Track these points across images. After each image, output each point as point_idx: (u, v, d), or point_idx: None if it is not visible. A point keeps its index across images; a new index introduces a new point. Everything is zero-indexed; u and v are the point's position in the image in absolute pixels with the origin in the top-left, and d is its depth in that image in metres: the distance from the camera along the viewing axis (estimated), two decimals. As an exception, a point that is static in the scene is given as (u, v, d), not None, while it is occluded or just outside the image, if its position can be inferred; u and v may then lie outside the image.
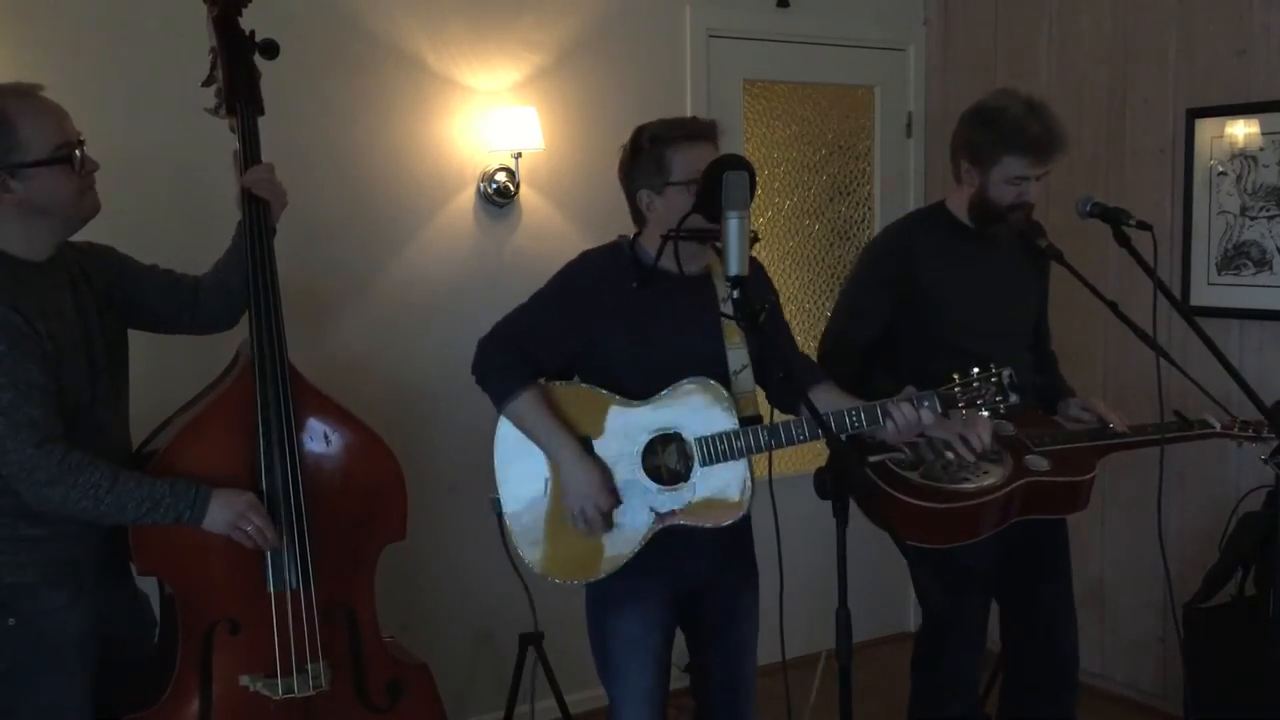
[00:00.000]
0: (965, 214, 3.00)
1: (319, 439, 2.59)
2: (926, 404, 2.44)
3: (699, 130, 2.53)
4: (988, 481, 2.79)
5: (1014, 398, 2.45)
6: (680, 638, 2.73)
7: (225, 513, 2.38)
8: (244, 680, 2.48)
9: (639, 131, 2.57)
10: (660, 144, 2.51)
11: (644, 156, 2.53)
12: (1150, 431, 2.99)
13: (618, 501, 2.49)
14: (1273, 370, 3.57)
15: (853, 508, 2.07)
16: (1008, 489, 2.80)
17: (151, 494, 2.32)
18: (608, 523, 2.49)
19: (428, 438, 3.68)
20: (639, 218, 2.60)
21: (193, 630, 2.47)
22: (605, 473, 2.49)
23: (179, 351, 2.84)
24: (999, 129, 2.88)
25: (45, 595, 2.33)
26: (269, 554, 2.47)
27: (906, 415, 2.43)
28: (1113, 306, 2.84)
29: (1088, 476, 2.92)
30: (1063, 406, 3.10)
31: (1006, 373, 2.44)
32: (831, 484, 2.04)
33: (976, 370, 2.45)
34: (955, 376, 2.46)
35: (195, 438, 2.48)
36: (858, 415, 2.45)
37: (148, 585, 2.60)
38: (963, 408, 2.45)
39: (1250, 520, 3.50)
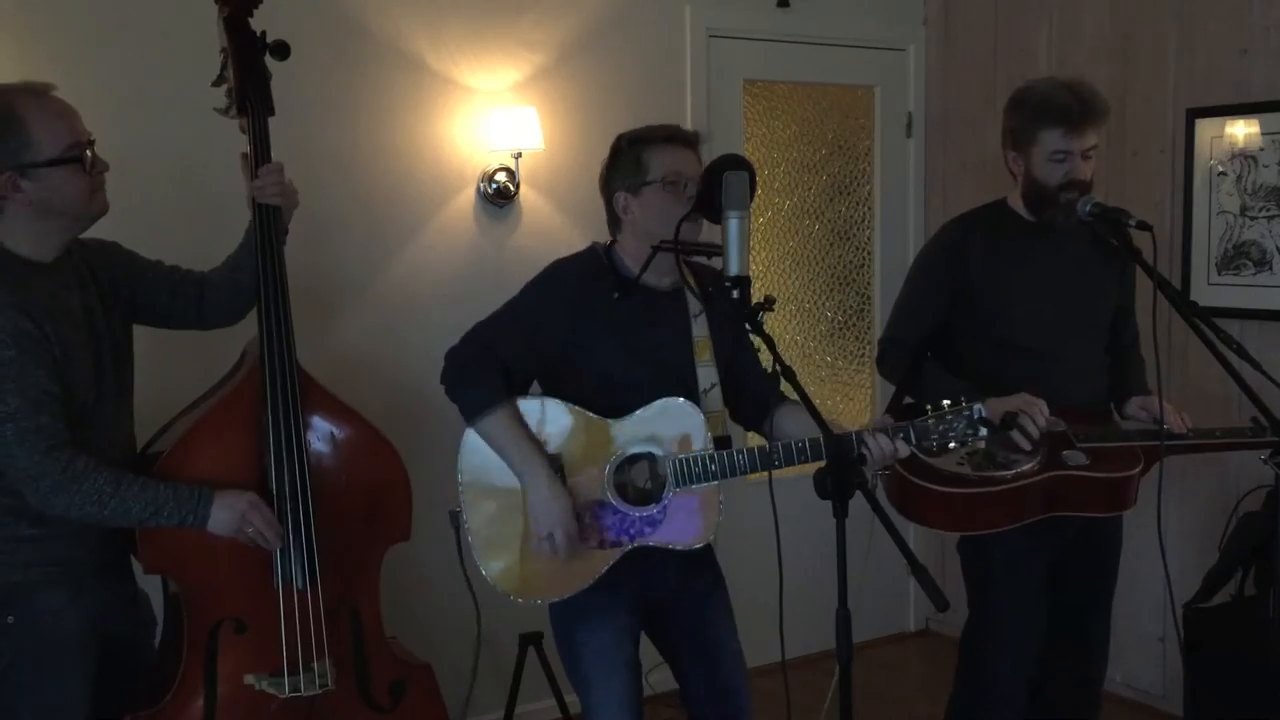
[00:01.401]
0: (1023, 208, 2.96)
1: (326, 439, 2.59)
2: (901, 436, 2.43)
3: (679, 135, 2.53)
4: (1016, 471, 2.78)
5: (983, 431, 2.42)
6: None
7: (228, 514, 2.38)
8: (249, 679, 2.48)
9: (619, 137, 2.57)
10: (638, 145, 2.50)
11: (621, 157, 2.52)
12: (1218, 435, 2.94)
13: (577, 530, 2.45)
14: (1273, 371, 3.57)
15: (861, 504, 2.06)
16: (1034, 479, 2.78)
17: (155, 499, 2.32)
18: (571, 548, 2.45)
19: (427, 437, 3.66)
20: (615, 223, 2.58)
21: (198, 629, 2.48)
22: (573, 499, 2.45)
23: (182, 348, 2.84)
24: (1029, 106, 2.86)
25: (45, 594, 2.33)
26: (276, 552, 2.47)
27: (882, 446, 2.41)
28: (1184, 307, 2.77)
29: (1128, 473, 2.84)
30: (1125, 406, 3.04)
31: (977, 407, 2.41)
32: (832, 484, 2.04)
33: (947, 403, 2.43)
34: (928, 408, 2.44)
35: (203, 437, 2.48)
36: (849, 443, 2.40)
37: (148, 584, 2.60)
38: (935, 440, 2.44)
39: (1250, 520, 3.50)
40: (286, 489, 2.48)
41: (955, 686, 3.16)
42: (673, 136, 2.52)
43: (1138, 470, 2.87)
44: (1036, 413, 2.72)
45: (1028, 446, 2.77)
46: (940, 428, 2.42)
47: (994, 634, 3.02)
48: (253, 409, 2.50)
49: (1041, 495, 2.83)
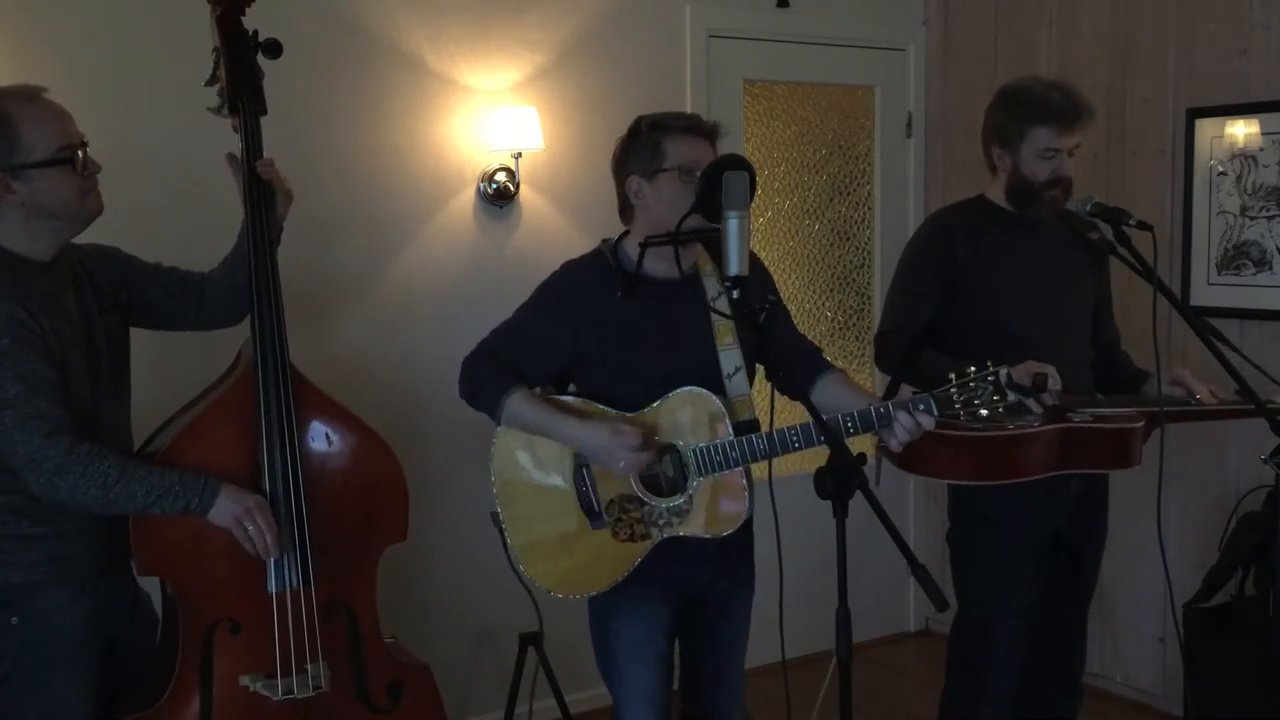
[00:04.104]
0: (1004, 201, 2.98)
1: (321, 440, 2.59)
2: (923, 407, 2.39)
3: (700, 126, 2.52)
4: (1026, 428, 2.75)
5: (1012, 397, 2.38)
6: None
7: (233, 506, 2.38)
8: (244, 680, 2.47)
9: (639, 119, 2.55)
10: (659, 130, 2.49)
11: (640, 141, 2.51)
12: (1215, 404, 2.91)
13: (642, 428, 2.43)
14: (1273, 370, 3.57)
15: (859, 503, 2.06)
16: (1047, 429, 2.76)
17: (160, 483, 2.33)
18: (649, 446, 2.43)
19: (427, 437, 3.68)
20: (625, 209, 2.57)
21: (193, 630, 2.47)
22: (614, 418, 2.45)
23: (179, 349, 2.84)
24: (1021, 104, 2.90)
25: (47, 594, 2.34)
26: (269, 558, 2.46)
27: (904, 423, 2.39)
28: (1173, 299, 2.75)
29: (1133, 426, 2.82)
30: (1148, 388, 3.01)
31: (1004, 371, 2.36)
32: (832, 483, 2.04)
33: (973, 369, 2.38)
34: (951, 376, 2.39)
35: (196, 437, 2.48)
36: (853, 421, 2.40)
37: (149, 584, 2.60)
38: (960, 409, 2.40)
39: (1250, 520, 3.50)
40: (280, 490, 2.47)
41: (947, 681, 3.16)
42: (693, 127, 2.50)
43: (1141, 424, 2.85)
44: (1052, 374, 2.70)
45: (1038, 410, 2.74)
46: (963, 396, 2.37)
47: (984, 627, 3.02)
48: (247, 409, 2.50)
49: (1052, 448, 2.80)
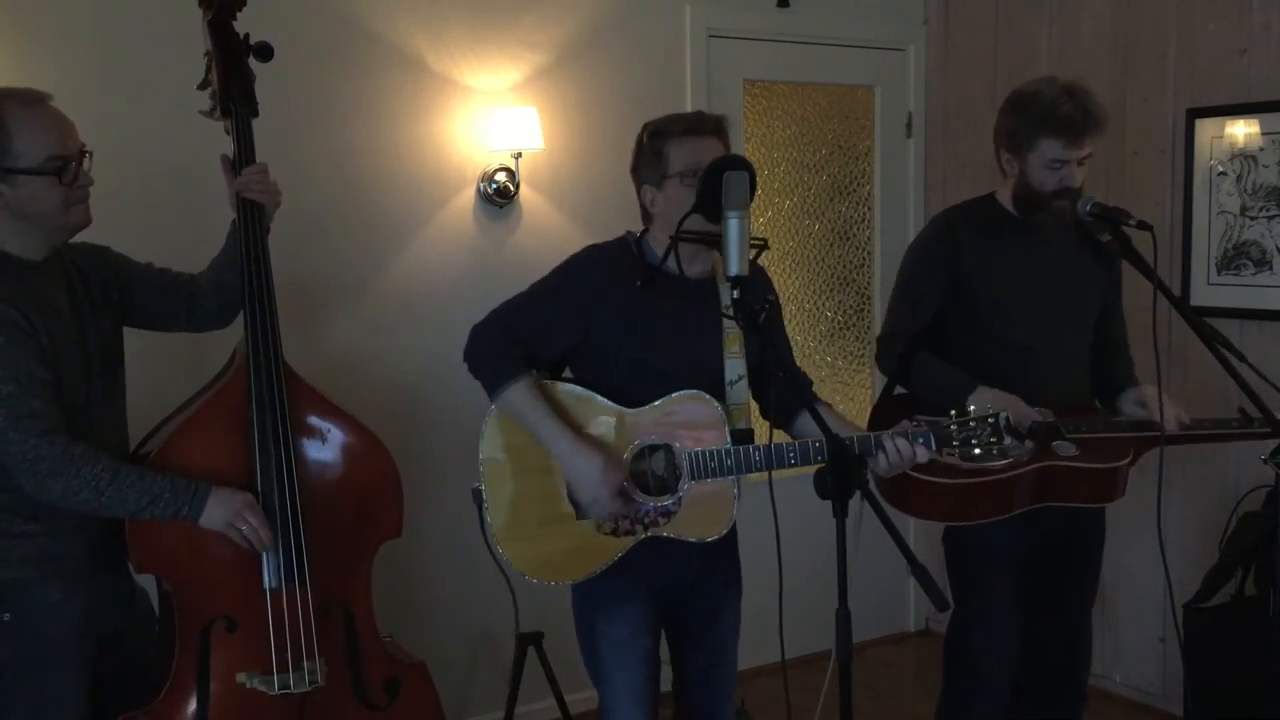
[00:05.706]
0: (1012, 206, 2.96)
1: (314, 437, 2.59)
2: (921, 440, 2.41)
3: (699, 124, 2.51)
4: (1007, 461, 2.77)
5: (1008, 440, 2.41)
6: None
7: (222, 510, 2.38)
8: (241, 677, 2.48)
9: (643, 127, 2.56)
10: (659, 138, 2.49)
11: (645, 151, 2.52)
12: (1209, 427, 2.91)
13: (626, 476, 2.45)
14: (1273, 370, 3.57)
15: (850, 501, 2.06)
16: (1025, 470, 2.78)
17: (151, 488, 2.33)
18: (625, 498, 2.45)
19: (427, 437, 3.68)
20: (646, 214, 2.59)
21: (190, 628, 2.48)
22: (605, 451, 2.44)
23: (174, 350, 2.84)
24: (1031, 112, 2.84)
25: (40, 591, 2.34)
26: (265, 551, 2.47)
27: (901, 450, 2.40)
28: (1177, 304, 2.75)
29: (1117, 464, 2.83)
30: (1121, 400, 3.01)
31: (1004, 416, 2.40)
32: (832, 484, 2.04)
33: (973, 409, 2.42)
34: (953, 413, 2.42)
35: (191, 437, 2.49)
36: (851, 444, 2.40)
37: (146, 581, 2.60)
38: (957, 446, 2.42)
39: (1250, 520, 3.50)
40: (274, 487, 2.48)
41: (943, 683, 3.16)
42: (693, 128, 2.50)
43: (1127, 461, 2.86)
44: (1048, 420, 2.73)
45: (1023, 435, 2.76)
46: (963, 434, 2.41)
47: (978, 628, 3.02)
48: (240, 409, 2.50)
49: (1032, 486, 2.82)
